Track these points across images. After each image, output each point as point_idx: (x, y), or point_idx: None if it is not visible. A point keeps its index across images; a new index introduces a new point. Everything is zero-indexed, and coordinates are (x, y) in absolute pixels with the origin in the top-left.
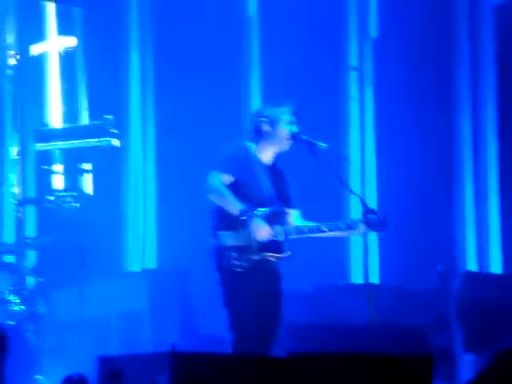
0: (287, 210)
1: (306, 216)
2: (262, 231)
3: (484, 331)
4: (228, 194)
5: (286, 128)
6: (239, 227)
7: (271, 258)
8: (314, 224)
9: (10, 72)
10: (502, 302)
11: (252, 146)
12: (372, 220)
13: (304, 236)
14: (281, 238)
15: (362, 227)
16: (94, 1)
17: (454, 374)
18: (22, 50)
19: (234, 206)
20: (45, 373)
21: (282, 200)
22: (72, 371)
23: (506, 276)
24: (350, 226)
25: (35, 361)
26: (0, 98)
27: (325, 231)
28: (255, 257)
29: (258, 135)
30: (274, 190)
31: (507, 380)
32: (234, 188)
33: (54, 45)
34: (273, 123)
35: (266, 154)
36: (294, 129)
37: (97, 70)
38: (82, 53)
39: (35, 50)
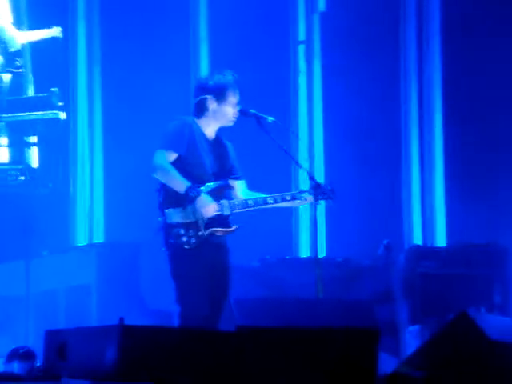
0: (232, 183)
1: (253, 187)
2: (209, 208)
3: (428, 304)
4: (173, 172)
5: (231, 107)
6: (185, 204)
7: (218, 233)
8: (260, 196)
9: None
10: (446, 276)
11: (195, 120)
12: (319, 190)
13: (250, 209)
14: (227, 212)
15: (308, 197)
16: None
17: (399, 346)
18: None
19: (180, 184)
20: None
21: (225, 172)
22: (18, 345)
23: (450, 249)
24: (296, 197)
25: None
26: None
27: (270, 203)
28: (202, 233)
29: (203, 110)
30: (217, 163)
31: (460, 342)
32: (179, 165)
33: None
34: (219, 101)
35: (210, 129)
36: (238, 108)
37: (43, 42)
38: (27, 24)
39: None
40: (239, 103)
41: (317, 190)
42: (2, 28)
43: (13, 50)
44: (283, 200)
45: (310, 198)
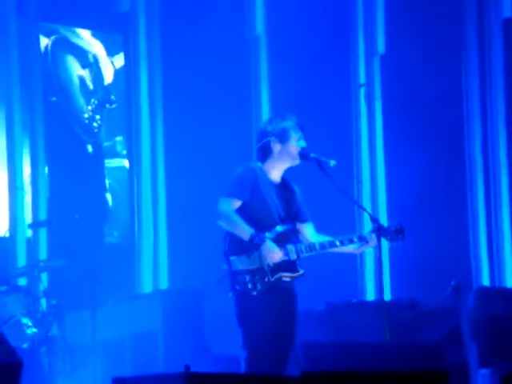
0: (299, 227)
1: (319, 230)
2: (274, 254)
3: (499, 346)
4: (237, 220)
5: (295, 144)
6: (251, 251)
7: (285, 278)
8: (326, 239)
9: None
10: None
11: (260, 165)
12: (383, 232)
13: (317, 253)
14: (293, 256)
15: (374, 238)
16: (104, 22)
17: None
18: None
19: (244, 231)
20: None
21: (292, 216)
22: None
23: None
24: (363, 238)
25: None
26: (10, 122)
27: (337, 246)
28: (269, 279)
29: (267, 153)
30: (283, 207)
31: None
32: (244, 211)
33: None
34: (282, 140)
35: (276, 172)
36: (302, 143)
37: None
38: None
39: None
40: (302, 140)
41: (380, 232)
42: (98, 57)
43: (107, 83)
44: (350, 242)
45: (375, 240)
